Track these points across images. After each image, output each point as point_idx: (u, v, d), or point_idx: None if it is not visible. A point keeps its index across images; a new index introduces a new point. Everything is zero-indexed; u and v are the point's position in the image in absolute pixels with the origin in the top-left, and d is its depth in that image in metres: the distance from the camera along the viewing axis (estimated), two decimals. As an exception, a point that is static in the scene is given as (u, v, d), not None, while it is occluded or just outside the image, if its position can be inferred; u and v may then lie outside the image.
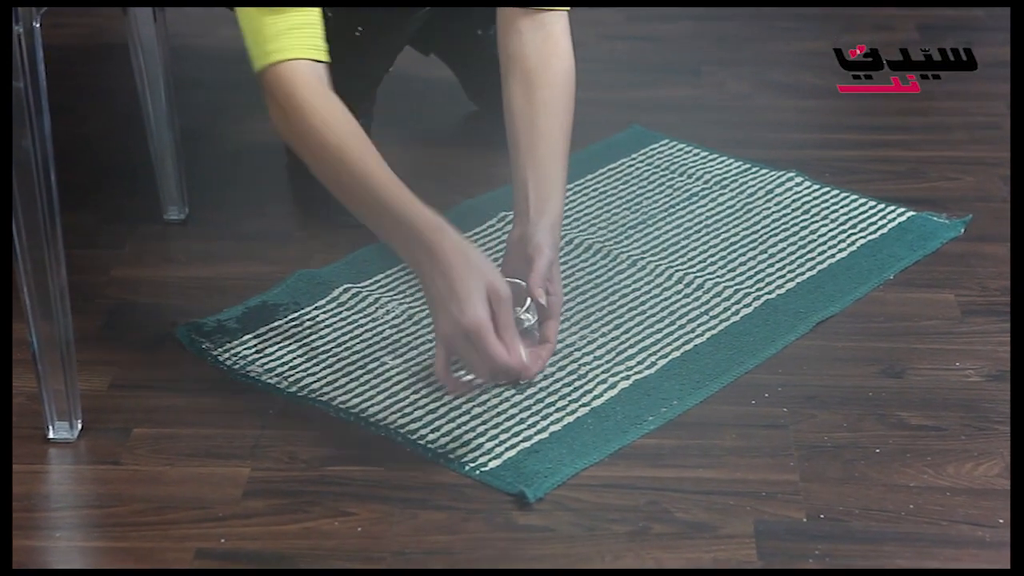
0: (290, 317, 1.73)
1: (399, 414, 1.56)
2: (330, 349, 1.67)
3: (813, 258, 1.83)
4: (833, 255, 1.84)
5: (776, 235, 1.88)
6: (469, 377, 1.48)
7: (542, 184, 1.57)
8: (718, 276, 1.79)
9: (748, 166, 2.05)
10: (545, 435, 1.52)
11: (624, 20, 2.56)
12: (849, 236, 1.88)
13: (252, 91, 2.30)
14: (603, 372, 1.62)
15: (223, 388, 1.62)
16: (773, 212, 1.94)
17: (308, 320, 1.72)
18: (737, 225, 1.91)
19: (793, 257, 1.83)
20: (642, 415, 1.56)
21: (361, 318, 1.72)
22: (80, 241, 1.85)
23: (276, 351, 1.67)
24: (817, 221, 1.91)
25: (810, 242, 1.87)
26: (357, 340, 1.69)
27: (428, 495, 1.46)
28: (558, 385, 1.60)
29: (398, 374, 1.62)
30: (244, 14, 1.50)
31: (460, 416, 1.55)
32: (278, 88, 1.49)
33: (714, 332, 1.69)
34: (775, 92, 2.32)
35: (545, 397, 1.58)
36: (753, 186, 2.00)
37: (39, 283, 1.48)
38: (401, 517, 1.43)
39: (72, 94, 2.31)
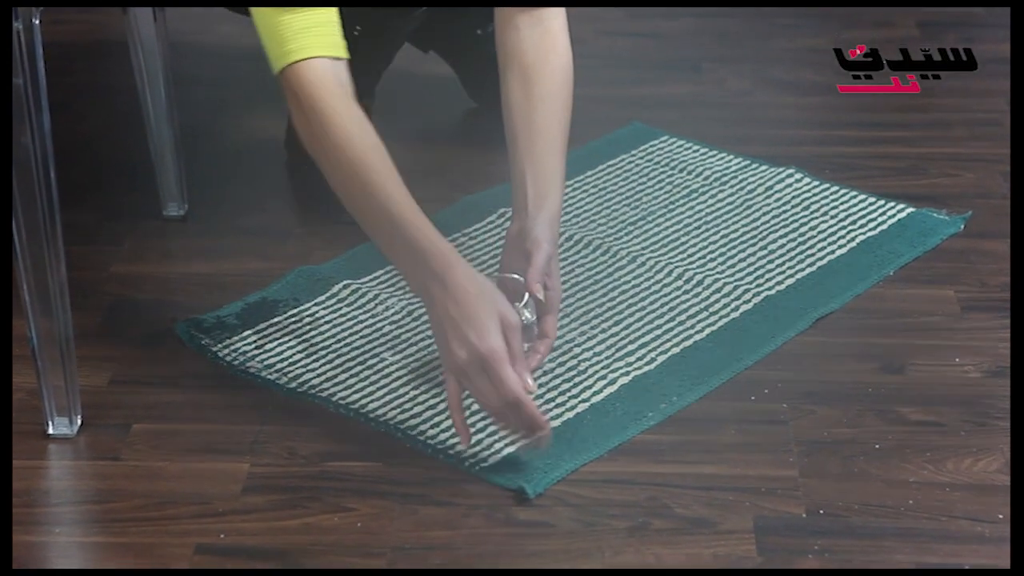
0: (290, 313, 1.73)
1: (399, 410, 1.56)
2: (330, 345, 1.67)
3: (813, 254, 1.83)
4: (833, 251, 1.84)
5: (776, 231, 1.88)
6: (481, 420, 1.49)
7: (540, 179, 1.57)
8: (718, 272, 1.79)
9: (748, 162, 2.05)
10: (545, 431, 1.52)
11: (625, 17, 2.56)
12: (849, 232, 1.88)
13: (251, 88, 2.31)
14: (603, 368, 1.62)
15: (223, 384, 1.62)
16: (773, 208, 1.94)
17: (308, 316, 1.72)
18: (737, 221, 1.91)
19: (793, 253, 1.83)
20: (642, 411, 1.56)
21: (360, 314, 1.72)
22: (80, 238, 1.85)
23: (276, 347, 1.67)
24: (817, 217, 1.91)
25: (810, 238, 1.87)
26: (356, 336, 1.69)
27: (428, 491, 1.46)
28: (557, 381, 1.60)
29: (397, 370, 1.62)
30: (260, 14, 1.48)
31: (460, 412, 1.55)
32: (300, 90, 1.47)
33: (714, 328, 1.69)
34: (775, 89, 2.32)
35: (544, 393, 1.58)
36: (753, 182, 1.99)
37: (39, 279, 1.48)
38: (401, 513, 1.43)
39: (72, 91, 2.31)
